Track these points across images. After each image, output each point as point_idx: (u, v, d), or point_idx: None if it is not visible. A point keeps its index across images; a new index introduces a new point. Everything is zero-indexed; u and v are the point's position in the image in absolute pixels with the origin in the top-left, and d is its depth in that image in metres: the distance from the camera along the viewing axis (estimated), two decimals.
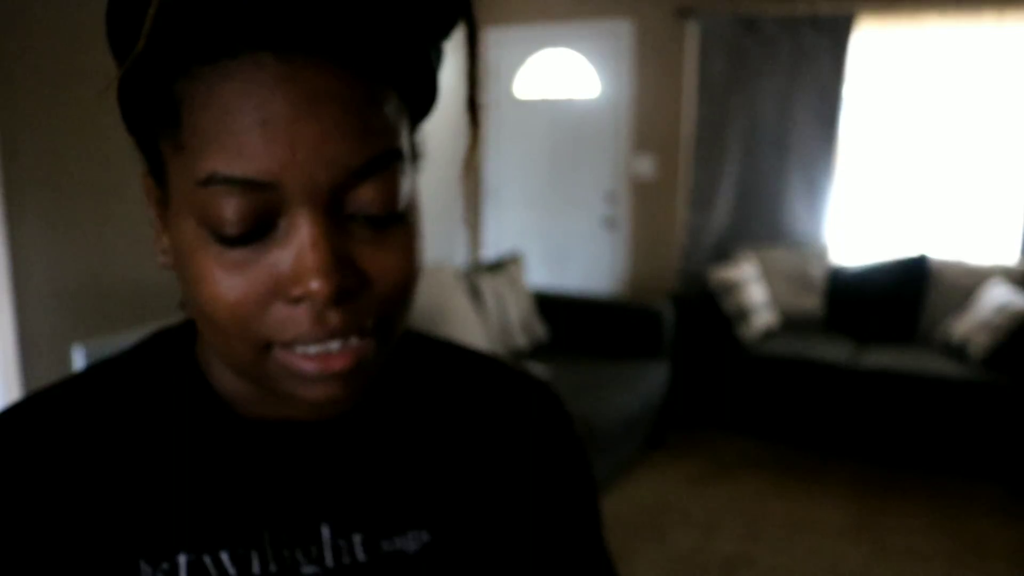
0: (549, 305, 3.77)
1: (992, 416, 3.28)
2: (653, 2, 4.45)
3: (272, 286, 0.40)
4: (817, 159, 4.18)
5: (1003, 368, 3.33)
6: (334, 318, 0.40)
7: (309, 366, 0.41)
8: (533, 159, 4.94)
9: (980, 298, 3.63)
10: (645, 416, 3.36)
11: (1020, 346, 3.30)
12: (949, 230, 4.03)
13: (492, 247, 5.03)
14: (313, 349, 0.41)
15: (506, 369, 0.61)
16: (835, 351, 3.66)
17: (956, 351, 3.55)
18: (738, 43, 4.24)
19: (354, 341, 0.42)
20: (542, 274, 4.76)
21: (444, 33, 0.45)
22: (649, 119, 4.57)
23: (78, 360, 2.41)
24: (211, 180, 0.39)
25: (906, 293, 3.88)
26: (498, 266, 3.65)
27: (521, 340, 3.54)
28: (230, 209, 0.39)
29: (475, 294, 3.35)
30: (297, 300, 0.40)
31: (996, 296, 3.52)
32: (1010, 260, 3.83)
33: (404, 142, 0.43)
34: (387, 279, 0.42)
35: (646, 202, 4.67)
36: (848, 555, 2.77)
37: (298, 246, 0.39)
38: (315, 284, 0.39)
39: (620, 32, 4.57)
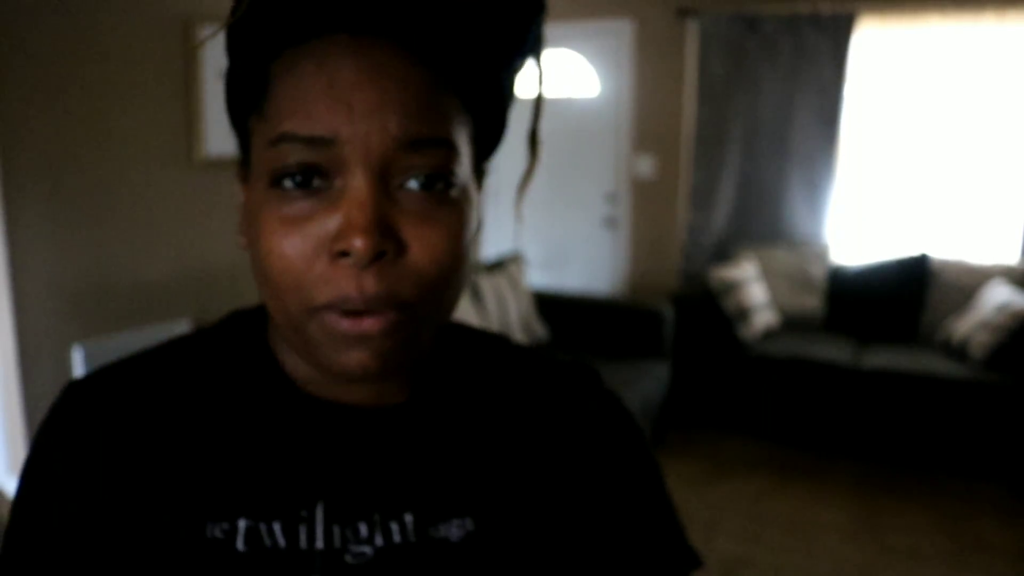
0: (549, 305, 3.77)
1: (992, 416, 3.27)
2: (653, 2, 4.44)
3: (321, 243, 0.44)
4: (818, 159, 4.18)
5: (1004, 368, 3.33)
6: (370, 283, 0.44)
7: (345, 324, 0.45)
8: None
9: (981, 298, 3.63)
10: (645, 416, 3.36)
11: (1021, 346, 3.30)
12: (950, 230, 4.03)
13: (492, 247, 5.03)
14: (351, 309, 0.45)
15: (554, 361, 0.63)
16: (836, 351, 3.66)
17: (957, 351, 3.55)
18: (738, 43, 4.24)
19: (390, 314, 0.45)
20: (542, 274, 4.76)
21: (511, 49, 0.49)
22: (649, 119, 4.57)
23: (78, 360, 2.40)
24: (281, 139, 0.44)
25: (907, 293, 3.88)
26: (498, 266, 3.64)
27: (521, 340, 3.54)
28: (294, 158, 0.44)
29: (475, 294, 3.35)
30: (338, 255, 0.43)
31: (997, 296, 3.52)
32: (1011, 260, 3.83)
33: (458, 139, 0.47)
34: (425, 253, 0.45)
35: (646, 202, 4.66)
36: (848, 555, 2.77)
37: (348, 205, 0.43)
38: (357, 241, 0.42)
39: (620, 32, 4.56)
